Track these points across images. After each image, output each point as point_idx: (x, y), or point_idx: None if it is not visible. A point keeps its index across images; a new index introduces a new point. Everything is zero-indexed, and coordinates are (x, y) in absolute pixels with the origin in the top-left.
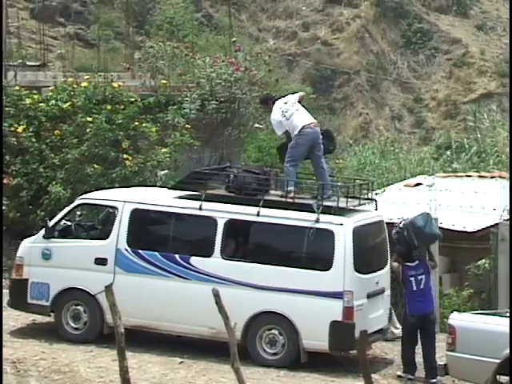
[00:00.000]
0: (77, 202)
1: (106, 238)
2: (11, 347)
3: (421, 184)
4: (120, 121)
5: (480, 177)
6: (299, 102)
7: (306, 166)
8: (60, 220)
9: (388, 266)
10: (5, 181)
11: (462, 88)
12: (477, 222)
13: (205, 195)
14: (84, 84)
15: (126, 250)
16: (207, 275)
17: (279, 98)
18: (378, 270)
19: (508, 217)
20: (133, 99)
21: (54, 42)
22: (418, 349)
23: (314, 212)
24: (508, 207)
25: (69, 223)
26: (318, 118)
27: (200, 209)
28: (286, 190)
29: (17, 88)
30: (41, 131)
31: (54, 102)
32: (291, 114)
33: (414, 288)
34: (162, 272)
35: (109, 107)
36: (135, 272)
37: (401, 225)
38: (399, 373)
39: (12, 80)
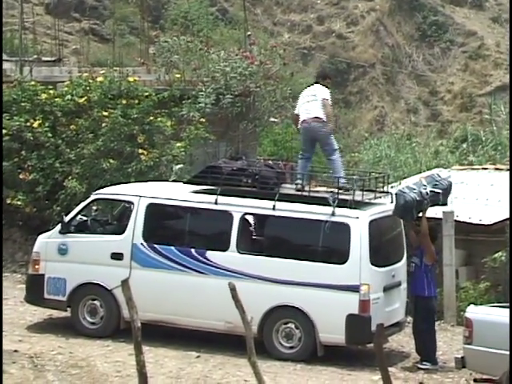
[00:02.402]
0: (92, 196)
1: (121, 232)
2: (28, 342)
3: None
4: (135, 115)
5: (496, 169)
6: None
7: (321, 159)
8: (76, 215)
9: (404, 258)
10: (21, 176)
11: (478, 81)
12: (493, 214)
13: (220, 189)
14: (99, 79)
15: (142, 245)
16: (223, 269)
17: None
18: (395, 263)
19: None
20: (148, 93)
21: (69, 37)
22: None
23: (329, 205)
24: None
25: (85, 218)
26: (333, 112)
27: (216, 203)
28: (294, 182)
29: (32, 83)
30: (56, 126)
31: (69, 96)
32: (301, 104)
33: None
34: (178, 266)
35: (124, 102)
36: (151, 266)
37: (436, 189)
38: (425, 365)
39: (27, 75)
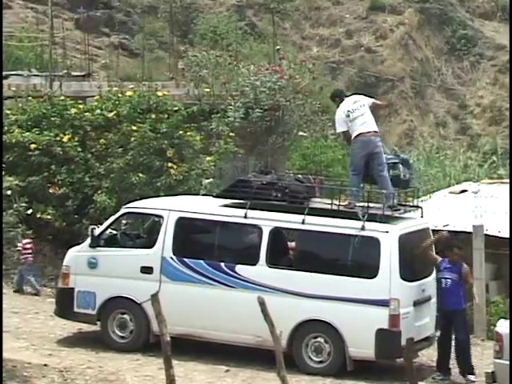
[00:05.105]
0: (122, 210)
1: (151, 246)
2: (58, 356)
3: (466, 191)
4: (164, 129)
5: None
6: (373, 108)
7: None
8: (106, 229)
9: (434, 273)
10: (51, 190)
11: (507, 94)
12: None
13: (250, 203)
14: (128, 93)
15: (172, 259)
16: (252, 283)
17: (351, 95)
18: (425, 278)
19: None
20: (177, 108)
21: (99, 51)
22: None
23: (359, 220)
24: None
25: (114, 232)
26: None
27: (245, 217)
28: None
29: (62, 98)
30: (86, 140)
31: (98, 111)
32: (355, 117)
33: None
34: (207, 280)
35: (153, 116)
36: (181, 280)
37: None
38: (469, 379)
39: (57, 90)
